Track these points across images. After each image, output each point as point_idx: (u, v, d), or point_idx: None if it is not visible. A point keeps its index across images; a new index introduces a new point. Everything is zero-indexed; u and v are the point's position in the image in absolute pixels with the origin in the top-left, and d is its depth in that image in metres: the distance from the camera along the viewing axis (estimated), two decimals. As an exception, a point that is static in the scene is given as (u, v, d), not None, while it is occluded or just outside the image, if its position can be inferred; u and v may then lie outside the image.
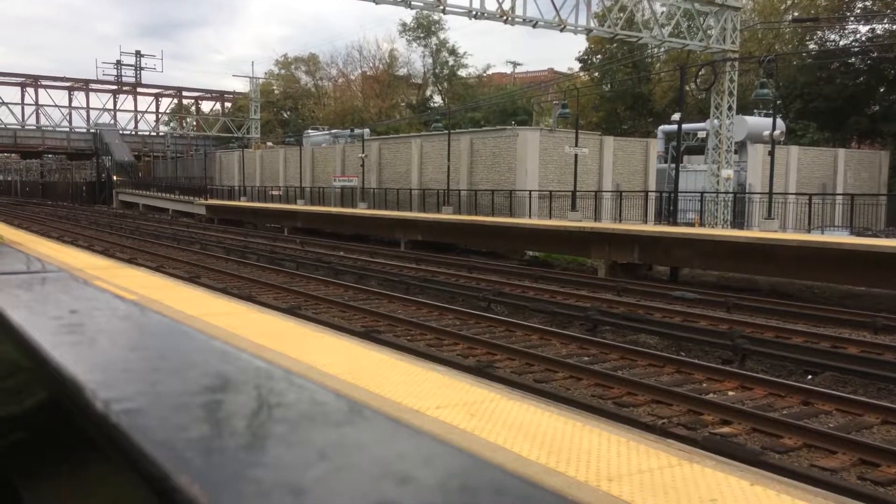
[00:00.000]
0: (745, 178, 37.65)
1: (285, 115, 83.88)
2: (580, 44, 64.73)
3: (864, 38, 48.85)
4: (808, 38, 51.21)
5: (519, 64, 79.34)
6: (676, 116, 27.38)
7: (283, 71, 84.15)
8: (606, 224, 25.07)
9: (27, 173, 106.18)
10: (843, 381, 10.01)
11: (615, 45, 52.02)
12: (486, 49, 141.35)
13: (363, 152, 41.62)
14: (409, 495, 0.68)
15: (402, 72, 74.78)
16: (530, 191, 31.34)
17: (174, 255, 25.41)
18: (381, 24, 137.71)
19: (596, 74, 59.81)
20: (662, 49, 41.59)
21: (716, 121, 31.52)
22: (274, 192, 51.20)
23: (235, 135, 73.81)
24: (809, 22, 43.68)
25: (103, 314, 1.77)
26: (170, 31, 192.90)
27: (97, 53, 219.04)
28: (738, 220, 30.17)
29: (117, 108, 76.66)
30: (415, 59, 78.29)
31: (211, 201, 52.51)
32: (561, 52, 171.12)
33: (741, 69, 36.54)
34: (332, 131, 58.57)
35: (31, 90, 71.46)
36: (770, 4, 52.03)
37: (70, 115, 72.27)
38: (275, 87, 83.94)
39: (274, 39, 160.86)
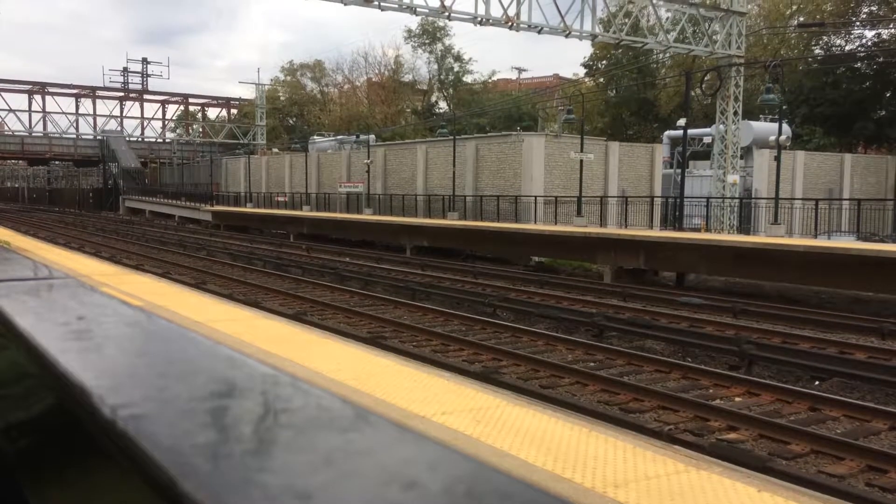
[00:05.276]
0: (751, 183, 37.58)
1: (291, 122, 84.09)
2: (585, 49, 64.80)
3: (869, 43, 48.82)
4: (813, 43, 51.16)
5: (524, 70, 79.39)
6: (682, 122, 27.38)
7: (288, 77, 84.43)
8: (612, 229, 25.05)
9: (34, 180, 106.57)
10: (851, 386, 9.96)
11: (620, 50, 52.05)
12: (491, 55, 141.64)
13: (369, 158, 41.73)
14: (414, 501, 0.69)
15: (408, 78, 74.97)
16: (536, 196, 31.33)
17: (180, 261, 25.48)
18: (384, 31, 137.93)
19: (601, 80, 59.85)
20: (668, 54, 41.59)
21: (721, 126, 31.49)
22: (279, 199, 51.32)
23: (241, 141, 74.04)
24: (815, 27, 43.64)
25: (110, 320, 1.78)
26: (170, 38, 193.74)
27: (101, 60, 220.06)
28: (745, 225, 30.13)
29: (124, 114, 77.02)
30: (420, 65, 78.68)
31: (217, 207, 52.65)
32: (566, 58, 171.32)
33: (747, 74, 36.52)
34: (338, 137, 58.70)
35: (38, 97, 71.82)
36: (776, 9, 52.02)
37: (77, 121, 72.60)
38: (280, 94, 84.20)
39: (275, 46, 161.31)
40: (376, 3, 25.29)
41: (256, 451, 0.82)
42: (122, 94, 77.37)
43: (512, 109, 59.93)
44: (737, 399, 9.33)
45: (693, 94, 39.48)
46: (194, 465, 0.77)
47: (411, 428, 0.87)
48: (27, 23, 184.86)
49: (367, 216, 37.39)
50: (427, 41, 69.01)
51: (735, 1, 31.11)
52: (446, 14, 26.83)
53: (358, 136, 50.97)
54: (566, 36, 28.47)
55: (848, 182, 41.60)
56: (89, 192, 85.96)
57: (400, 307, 16.02)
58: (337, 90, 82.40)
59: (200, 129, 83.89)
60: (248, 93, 79.89)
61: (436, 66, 71.04)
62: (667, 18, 34.75)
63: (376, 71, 77.16)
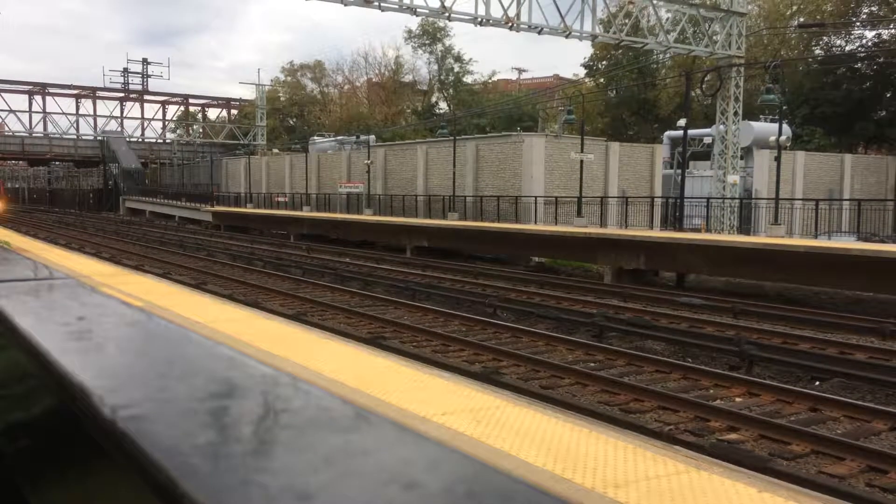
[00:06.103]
0: (752, 183, 37.57)
1: (291, 122, 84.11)
2: (585, 50, 64.78)
3: (870, 44, 48.82)
4: (814, 44, 51.15)
5: (524, 70, 79.42)
6: (682, 122, 27.35)
7: (288, 78, 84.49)
8: (612, 230, 25.04)
9: (34, 181, 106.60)
10: (851, 387, 9.96)
11: (620, 51, 52.03)
12: (491, 55, 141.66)
13: (369, 159, 41.73)
14: (414, 501, 0.68)
15: (408, 78, 75.00)
16: (536, 197, 31.32)
17: (180, 261, 25.47)
18: (383, 31, 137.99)
19: (601, 80, 59.85)
20: (668, 55, 41.58)
21: (721, 126, 31.48)
22: (280, 199, 51.31)
23: (241, 141, 74.03)
24: (815, 27, 43.62)
25: (110, 321, 1.77)
26: (170, 38, 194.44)
27: (101, 60, 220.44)
28: (745, 225, 30.11)
29: (124, 115, 77.01)
30: (420, 65, 78.70)
31: (217, 208, 52.63)
32: (566, 58, 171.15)
33: (747, 75, 36.52)
34: (338, 138, 58.70)
35: (38, 98, 71.81)
36: (776, 10, 52.02)
37: (77, 122, 72.58)
38: (281, 94, 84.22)
39: (275, 46, 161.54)
40: (376, 3, 25.29)
41: (256, 451, 0.82)
42: (122, 94, 77.35)
43: (512, 110, 59.89)
44: (737, 399, 9.32)
45: (693, 94, 39.48)
46: (194, 465, 0.77)
47: (411, 428, 0.87)
48: (28, 24, 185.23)
49: (367, 217, 37.38)
50: (427, 42, 69.02)
51: (735, 1, 31.11)
52: (446, 14, 26.83)
53: (358, 137, 50.95)
54: (566, 36, 28.46)
55: (848, 182, 41.60)
56: (89, 193, 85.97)
57: (400, 307, 16.02)
58: (337, 90, 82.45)
59: (200, 130, 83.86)
60: (248, 93, 79.98)
61: (436, 67, 71.08)
62: (667, 19, 34.75)
63: (376, 71, 77.25)
